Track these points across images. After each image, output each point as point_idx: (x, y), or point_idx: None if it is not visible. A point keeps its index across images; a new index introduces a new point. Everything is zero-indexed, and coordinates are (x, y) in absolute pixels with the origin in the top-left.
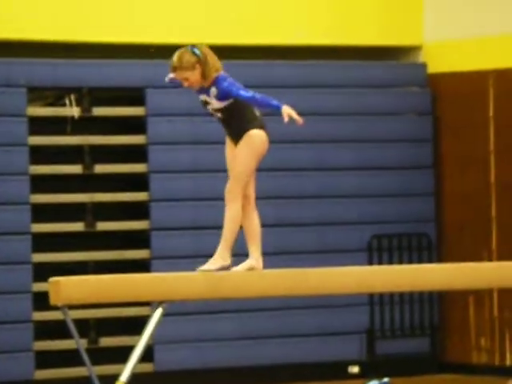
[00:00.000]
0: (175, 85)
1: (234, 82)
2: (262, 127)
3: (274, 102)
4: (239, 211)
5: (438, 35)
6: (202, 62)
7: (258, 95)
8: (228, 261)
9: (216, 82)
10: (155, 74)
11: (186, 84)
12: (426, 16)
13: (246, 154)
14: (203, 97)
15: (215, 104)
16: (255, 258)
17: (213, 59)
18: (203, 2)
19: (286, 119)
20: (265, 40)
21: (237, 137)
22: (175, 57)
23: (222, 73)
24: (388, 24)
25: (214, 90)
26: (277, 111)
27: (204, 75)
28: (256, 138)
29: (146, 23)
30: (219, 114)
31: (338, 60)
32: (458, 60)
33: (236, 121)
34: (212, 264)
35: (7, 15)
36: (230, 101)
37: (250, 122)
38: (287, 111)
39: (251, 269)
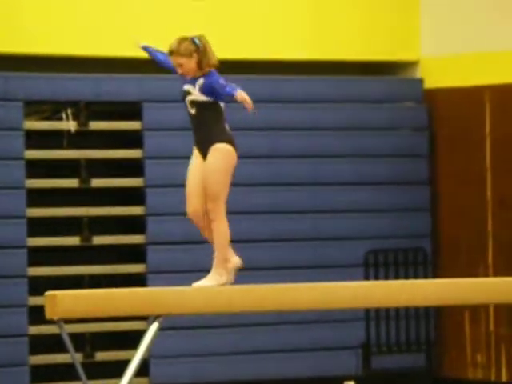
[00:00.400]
0: (150, 54)
1: (220, 79)
2: (230, 141)
3: (230, 90)
4: (226, 226)
5: (435, 50)
6: (200, 51)
7: (229, 87)
8: (224, 277)
9: (207, 74)
10: (152, 89)
11: (179, 71)
12: (422, 31)
13: (219, 171)
14: (187, 86)
15: (196, 95)
16: (231, 261)
17: (211, 52)
18: (199, 17)
19: (238, 98)
20: (263, 55)
21: (203, 146)
22: (174, 41)
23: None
24: (385, 39)
25: (200, 81)
26: (231, 98)
27: (200, 66)
28: (226, 152)
29: (144, 37)
30: (193, 110)
31: (335, 75)
32: (454, 75)
33: (206, 127)
34: (207, 280)
35: (4, 29)
36: (210, 100)
37: (219, 134)
38: (242, 95)
39: (236, 267)
